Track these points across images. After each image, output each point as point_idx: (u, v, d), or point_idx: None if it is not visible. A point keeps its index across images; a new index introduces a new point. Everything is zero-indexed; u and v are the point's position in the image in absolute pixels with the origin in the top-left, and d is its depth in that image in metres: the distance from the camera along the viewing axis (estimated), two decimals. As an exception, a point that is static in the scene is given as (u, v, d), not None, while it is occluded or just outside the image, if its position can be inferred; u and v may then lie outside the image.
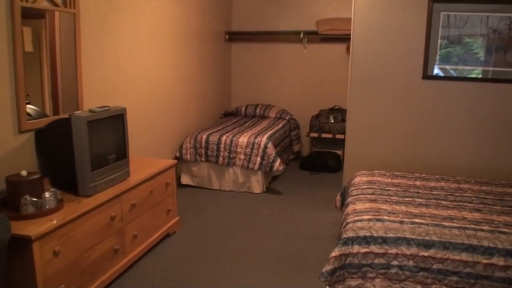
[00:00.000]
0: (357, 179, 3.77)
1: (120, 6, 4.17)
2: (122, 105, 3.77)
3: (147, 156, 4.56)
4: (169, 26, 5.18)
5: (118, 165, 3.34)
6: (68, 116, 2.99)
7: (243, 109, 7.07)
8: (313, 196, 5.32)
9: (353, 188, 3.54)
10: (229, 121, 6.49)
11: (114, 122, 3.34)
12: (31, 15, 3.08)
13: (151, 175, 3.65)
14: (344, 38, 6.65)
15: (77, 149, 2.96)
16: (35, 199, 2.70)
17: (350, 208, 3.08)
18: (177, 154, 5.49)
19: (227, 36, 7.10)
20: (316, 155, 6.69)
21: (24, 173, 2.80)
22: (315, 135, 6.76)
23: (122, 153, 3.41)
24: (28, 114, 3.12)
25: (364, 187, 3.54)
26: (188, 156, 5.45)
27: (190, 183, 5.53)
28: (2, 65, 2.88)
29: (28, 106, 3.13)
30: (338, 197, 4.13)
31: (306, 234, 4.23)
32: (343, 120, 6.66)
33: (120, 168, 3.35)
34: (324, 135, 6.71)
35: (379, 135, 4.57)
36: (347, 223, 2.83)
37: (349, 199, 3.32)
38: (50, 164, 3.19)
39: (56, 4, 3.29)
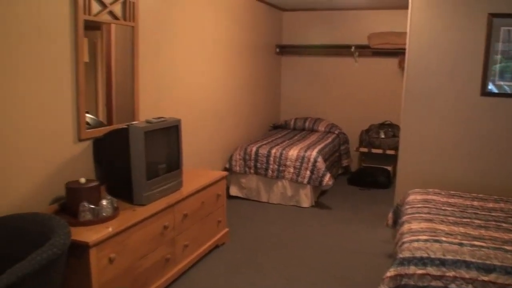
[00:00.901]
0: (411, 197, 3.67)
1: (176, 20, 4.26)
2: (175, 116, 3.83)
3: (197, 166, 4.60)
4: (222, 39, 5.25)
5: (172, 176, 3.38)
6: (125, 126, 3.05)
7: (292, 122, 7.05)
8: (362, 212, 5.23)
9: (408, 207, 3.44)
10: (278, 134, 6.48)
11: (169, 132, 3.40)
12: (88, 26, 3.18)
13: (203, 186, 3.68)
14: (397, 53, 6.56)
15: (133, 158, 3.02)
16: (93, 206, 2.76)
17: (405, 227, 3.00)
18: (227, 166, 5.52)
19: (277, 49, 7.13)
20: (365, 170, 6.58)
21: (82, 180, 2.87)
22: (364, 150, 6.66)
23: (176, 164, 3.46)
24: (87, 123, 3.21)
25: (419, 205, 3.44)
26: (238, 168, 5.47)
27: (239, 194, 5.55)
28: (65, 75, 2.98)
29: (87, 115, 3.23)
30: (391, 215, 4.03)
31: (354, 250, 4.14)
32: (394, 136, 6.54)
33: (173, 178, 3.39)
34: (374, 151, 6.60)
35: (434, 152, 4.45)
36: (403, 243, 2.75)
37: (404, 218, 3.24)
38: (107, 172, 3.27)
39: (116, 18, 3.39)
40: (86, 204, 2.73)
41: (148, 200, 3.10)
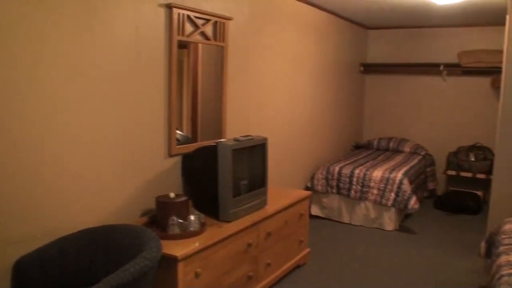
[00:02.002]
0: (508, 226, 3.43)
1: (263, 40, 4.32)
2: (259, 134, 3.86)
3: (278, 184, 4.60)
4: (307, 59, 5.26)
5: (257, 193, 3.40)
6: (214, 143, 3.12)
7: (375, 142, 6.89)
8: (449, 239, 4.97)
9: (505, 237, 3.22)
10: (360, 154, 6.36)
11: (256, 151, 3.43)
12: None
13: (287, 205, 3.67)
14: (489, 71, 6.25)
15: (221, 175, 3.08)
16: (181, 221, 2.83)
17: (503, 259, 2.80)
18: (308, 185, 5.48)
19: (361, 68, 7.03)
20: (453, 194, 6.28)
21: (172, 195, 2.96)
22: (452, 173, 6.37)
23: (261, 182, 3.48)
24: (176, 139, 3.31)
25: (517, 235, 3.21)
26: (320, 187, 5.41)
27: (320, 214, 5.48)
28: (159, 92, 3.11)
29: (177, 131, 3.33)
30: (483, 244, 3.79)
31: (441, 280, 3.93)
32: (485, 159, 6.20)
33: (258, 196, 3.41)
34: (463, 174, 6.30)
35: None
36: (501, 276, 2.57)
37: (501, 249, 3.03)
38: (194, 187, 3.34)
39: (208, 38, 3.49)
40: (175, 218, 2.80)
41: (233, 217, 3.13)
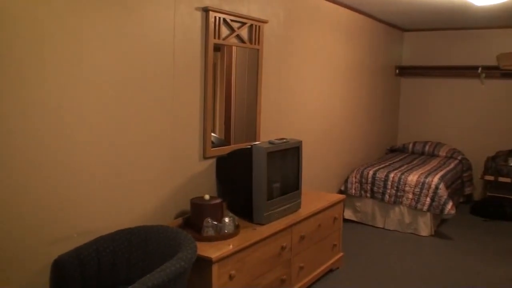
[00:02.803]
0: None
1: (297, 43, 4.32)
2: (292, 136, 3.86)
3: (312, 188, 4.58)
4: (341, 62, 5.22)
5: (291, 196, 3.39)
6: (249, 146, 3.13)
7: (410, 146, 6.78)
8: (487, 246, 4.84)
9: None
10: (395, 158, 6.27)
11: (291, 154, 3.43)
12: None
13: (321, 209, 3.65)
14: (530, 74, 6.09)
15: (255, 178, 3.08)
16: (216, 223, 2.85)
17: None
18: (342, 188, 5.44)
19: (397, 71, 6.94)
20: (490, 200, 6.12)
21: (207, 197, 2.98)
22: (490, 178, 6.20)
23: (295, 185, 3.47)
24: (211, 142, 3.34)
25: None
26: (353, 191, 5.36)
27: (353, 218, 5.42)
28: (195, 95, 3.14)
29: (212, 134, 3.36)
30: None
31: (480, 288, 3.85)
32: (525, 164, 6.03)
33: (292, 199, 3.41)
34: (501, 179, 6.12)
35: None
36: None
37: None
38: (228, 189, 3.36)
39: (243, 41, 3.51)
40: (209, 220, 2.82)
41: (267, 219, 3.13)
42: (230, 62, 3.57)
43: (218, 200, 2.97)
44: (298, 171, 3.50)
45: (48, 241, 2.34)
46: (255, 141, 3.69)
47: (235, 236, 2.88)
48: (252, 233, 2.96)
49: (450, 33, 6.71)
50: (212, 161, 3.37)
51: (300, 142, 3.50)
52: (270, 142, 3.22)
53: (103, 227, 2.59)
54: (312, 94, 4.69)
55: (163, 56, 2.87)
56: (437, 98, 6.94)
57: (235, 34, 3.40)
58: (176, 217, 3.10)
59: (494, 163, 6.21)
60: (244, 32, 3.52)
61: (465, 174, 6.30)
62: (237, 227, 2.96)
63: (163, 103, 2.91)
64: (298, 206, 3.49)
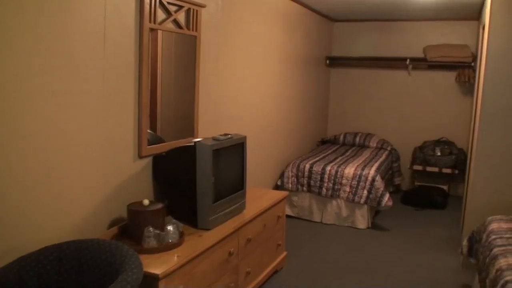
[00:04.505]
0: (494, 226, 3.32)
1: (235, 31, 4.04)
2: (228, 131, 3.60)
3: (249, 184, 4.33)
4: (278, 52, 5.01)
5: (236, 197, 3.13)
6: (192, 144, 2.81)
7: (341, 137, 6.75)
8: (423, 235, 4.88)
9: (496, 237, 3.10)
10: (328, 150, 6.18)
11: (235, 150, 3.15)
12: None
13: (265, 208, 3.42)
14: (454, 66, 6.23)
15: (200, 179, 2.78)
16: (158, 232, 2.53)
17: (503, 263, 2.66)
18: (278, 183, 5.25)
19: (327, 61, 6.85)
20: (420, 189, 6.23)
21: (146, 202, 2.64)
22: (419, 168, 6.32)
23: (240, 184, 3.21)
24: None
25: (507, 235, 3.10)
26: (290, 185, 5.19)
27: (290, 213, 5.25)
28: (128, 86, 2.77)
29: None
30: (466, 243, 3.68)
31: (425, 280, 3.81)
32: (451, 153, 6.18)
33: (237, 200, 3.14)
34: (429, 169, 6.26)
35: None
36: (507, 282, 2.43)
37: (496, 251, 2.89)
38: (167, 192, 3.03)
39: (180, 27, 3.17)
40: (151, 229, 2.49)
41: (213, 223, 2.85)
42: (156, 50, 3.19)
43: (160, 205, 2.64)
44: (242, 169, 3.24)
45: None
46: (193, 137, 3.38)
47: (180, 246, 2.57)
48: (198, 241, 2.66)
49: (379, 24, 6.73)
50: (149, 161, 3.02)
51: (245, 137, 3.23)
52: (214, 139, 2.93)
53: (24, 244, 2.18)
54: (248, 86, 4.44)
55: (91, 42, 2.47)
56: (366, 89, 6.95)
57: (172, 18, 3.06)
58: (111, 226, 2.73)
59: (422, 153, 6.32)
60: (181, 17, 3.18)
61: (394, 165, 6.35)
62: (181, 234, 2.65)
63: (91, 96, 2.51)
64: (243, 207, 3.24)
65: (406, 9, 5.68)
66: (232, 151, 3.11)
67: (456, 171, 6.12)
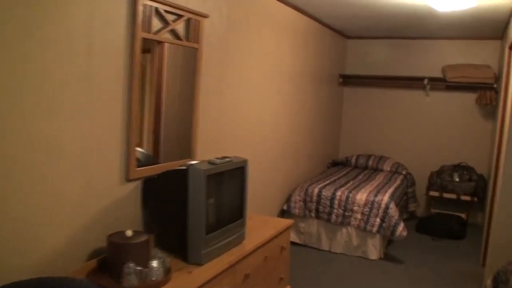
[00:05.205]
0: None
1: (241, 44, 3.76)
2: (231, 152, 3.30)
3: (252, 208, 4.01)
4: (287, 68, 4.72)
5: (234, 227, 2.80)
6: (184, 167, 2.51)
7: (353, 159, 6.41)
8: (440, 269, 4.50)
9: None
10: (339, 173, 5.85)
11: (234, 175, 2.83)
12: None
13: (267, 239, 3.09)
14: (475, 87, 5.89)
15: (192, 207, 2.47)
16: (140, 268, 2.21)
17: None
18: (285, 207, 4.92)
19: (340, 80, 6.55)
20: (437, 217, 5.85)
21: (129, 233, 2.33)
22: (435, 194, 5.95)
23: (239, 212, 2.89)
24: (137, 159, 2.68)
25: (540, 281, 2.74)
26: (297, 211, 4.86)
27: (296, 240, 4.91)
28: (116, 102, 2.48)
29: (137, 149, 2.71)
30: (490, 283, 3.32)
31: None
32: (471, 180, 5.81)
33: (235, 230, 2.82)
34: (446, 195, 5.89)
35: None
36: None
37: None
38: (157, 220, 2.72)
39: (179, 38, 2.89)
40: (132, 265, 2.18)
41: (206, 258, 2.53)
42: (162, 64, 2.92)
43: (144, 238, 2.32)
44: (242, 195, 2.92)
45: None
46: (191, 159, 3.08)
47: (166, 284, 2.25)
48: (187, 279, 2.34)
49: (395, 42, 6.43)
50: (138, 184, 2.72)
51: (246, 161, 2.91)
52: (210, 162, 2.61)
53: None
54: (256, 104, 4.15)
55: (75, 52, 2.20)
56: (380, 109, 6.62)
57: (169, 28, 2.78)
58: (91, 257, 2.42)
59: (439, 179, 5.96)
60: (180, 27, 2.90)
61: (409, 190, 6.00)
62: (168, 271, 2.33)
63: (73, 111, 2.22)
64: (242, 238, 2.91)
65: (424, 27, 5.37)
66: (231, 176, 2.80)
67: (476, 199, 5.75)
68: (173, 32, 2.84)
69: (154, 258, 2.31)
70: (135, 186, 2.69)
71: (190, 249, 2.50)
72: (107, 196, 2.50)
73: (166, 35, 2.79)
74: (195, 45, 3.04)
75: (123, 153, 2.57)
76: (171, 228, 2.60)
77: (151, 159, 2.84)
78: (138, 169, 2.66)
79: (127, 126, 2.56)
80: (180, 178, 2.49)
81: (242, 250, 2.81)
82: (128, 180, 2.63)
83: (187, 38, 2.98)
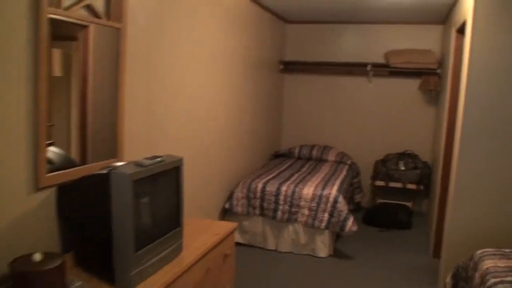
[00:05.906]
0: (488, 264, 2.74)
1: (173, 25, 3.32)
2: (163, 149, 2.89)
3: (191, 209, 3.60)
4: (225, 52, 4.32)
5: (170, 238, 2.38)
6: (105, 172, 2.05)
7: (296, 150, 6.13)
8: (391, 263, 4.31)
9: (495, 280, 2.51)
10: (282, 165, 5.53)
11: (167, 178, 2.40)
12: (61, 36, 2.22)
13: (209, 248, 2.69)
14: (419, 73, 5.74)
15: (117, 219, 2.02)
16: (52, 302, 1.76)
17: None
18: (227, 206, 4.53)
19: (281, 66, 6.21)
20: (383, 207, 5.67)
21: (37, 257, 1.86)
22: (381, 183, 5.78)
23: (174, 221, 2.47)
24: (49, 162, 2.21)
25: (509, 278, 2.52)
26: (240, 209, 4.50)
27: (240, 240, 4.55)
28: (17, 93, 1.99)
29: (51, 149, 2.23)
30: (449, 280, 3.13)
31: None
32: (416, 167, 5.68)
33: (171, 241, 2.40)
34: (392, 184, 5.73)
35: (502, 199, 3.46)
36: None
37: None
38: (76, 236, 2.26)
39: (97, 15, 2.42)
40: (40, 300, 1.73)
41: (136, 279, 2.09)
42: (87, 51, 2.45)
43: (57, 262, 1.86)
44: (178, 201, 2.50)
45: None
46: (117, 159, 2.63)
47: (85, 319, 1.82)
48: (112, 309, 1.91)
49: (337, 27, 6.19)
50: (51, 193, 2.24)
51: (180, 160, 2.49)
52: (138, 164, 2.16)
53: None
54: (191, 93, 3.72)
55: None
56: (323, 97, 6.37)
57: (83, 3, 2.30)
58: (-11, 288, 1.94)
59: (384, 167, 5.79)
60: (98, 2, 2.43)
61: (355, 180, 5.80)
62: (88, 301, 1.90)
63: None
64: (179, 249, 2.50)
65: (367, 11, 5.14)
66: (163, 179, 2.37)
67: (422, 187, 5.62)
68: (89, 8, 2.37)
69: (70, 285, 1.86)
70: (46, 196, 2.21)
71: (116, 271, 2.06)
72: (10, 211, 2.01)
73: (80, 12, 2.31)
74: (117, 25, 2.57)
75: (29, 156, 2.09)
76: (93, 246, 2.15)
77: (69, 161, 2.37)
78: (49, 174, 2.18)
79: (33, 122, 2.08)
80: (100, 185, 2.03)
81: (180, 265, 2.40)
82: (38, 189, 2.14)
83: (108, 16, 2.51)
